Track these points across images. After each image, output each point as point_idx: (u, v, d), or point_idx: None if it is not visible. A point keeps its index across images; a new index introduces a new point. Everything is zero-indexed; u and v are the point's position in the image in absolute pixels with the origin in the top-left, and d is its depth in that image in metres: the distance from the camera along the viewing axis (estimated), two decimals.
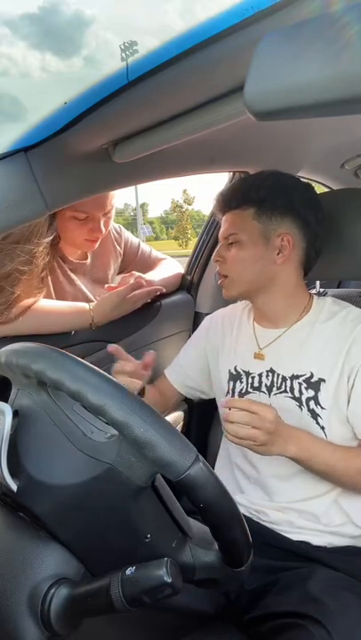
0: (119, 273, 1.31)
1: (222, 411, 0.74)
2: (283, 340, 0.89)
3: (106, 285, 1.16)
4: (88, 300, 1.11)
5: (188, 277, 1.37)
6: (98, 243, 1.09)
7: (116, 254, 1.26)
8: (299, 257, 0.88)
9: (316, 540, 0.83)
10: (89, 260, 1.18)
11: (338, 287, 1.75)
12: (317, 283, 1.11)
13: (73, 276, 1.13)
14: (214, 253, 0.92)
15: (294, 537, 0.84)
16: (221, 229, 0.92)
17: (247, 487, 0.91)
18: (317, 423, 0.82)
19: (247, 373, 0.92)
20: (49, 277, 1.05)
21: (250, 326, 0.95)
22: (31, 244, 0.89)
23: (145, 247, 1.35)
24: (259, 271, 0.87)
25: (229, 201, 0.90)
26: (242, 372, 0.92)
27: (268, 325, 0.92)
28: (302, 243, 0.87)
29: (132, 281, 1.13)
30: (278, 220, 0.85)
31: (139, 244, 1.32)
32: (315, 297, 0.91)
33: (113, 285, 1.15)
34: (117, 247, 1.26)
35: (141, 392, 0.93)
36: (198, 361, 1.04)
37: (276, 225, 0.85)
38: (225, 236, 0.90)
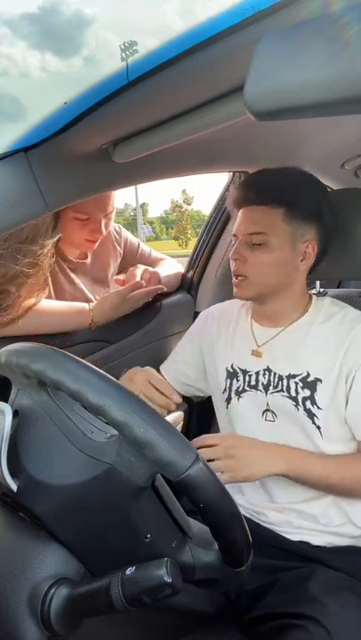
0: (119, 273, 1.31)
1: None
2: (280, 339, 0.88)
3: (114, 278, 1.16)
4: (87, 300, 1.11)
5: (188, 277, 1.37)
6: (97, 243, 1.10)
7: (116, 254, 1.26)
8: (313, 262, 0.87)
9: (316, 539, 0.83)
10: (89, 260, 1.18)
11: (338, 287, 1.75)
12: (317, 283, 1.10)
13: (72, 275, 1.13)
14: (233, 251, 0.86)
15: (294, 537, 0.84)
16: (242, 225, 0.85)
17: (247, 488, 0.91)
18: (313, 423, 0.82)
19: (244, 371, 0.91)
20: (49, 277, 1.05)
21: (247, 324, 0.95)
22: (36, 245, 0.89)
23: (145, 247, 1.35)
24: (281, 276, 0.84)
25: (256, 196, 0.82)
26: (238, 370, 0.92)
27: (266, 324, 0.91)
28: (319, 248, 0.86)
29: (138, 274, 1.12)
30: (307, 227, 0.83)
31: (138, 245, 1.33)
32: (314, 297, 0.91)
33: (121, 278, 1.15)
34: (117, 247, 1.26)
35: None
36: (194, 357, 1.02)
37: (304, 230, 0.83)
38: (248, 233, 0.83)
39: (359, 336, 0.81)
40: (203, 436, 0.76)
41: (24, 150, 0.65)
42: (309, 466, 0.78)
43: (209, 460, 0.73)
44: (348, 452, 0.83)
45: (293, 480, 0.79)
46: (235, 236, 0.87)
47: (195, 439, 0.75)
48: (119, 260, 1.28)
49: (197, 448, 0.71)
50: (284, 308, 0.89)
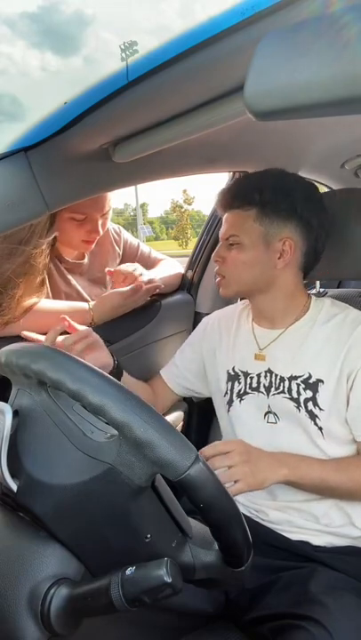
0: None
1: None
2: (281, 341, 0.88)
3: (106, 269, 1.16)
4: (83, 300, 1.11)
5: (188, 277, 1.37)
6: (94, 243, 1.09)
7: (115, 255, 1.26)
8: (299, 261, 0.87)
9: (316, 539, 0.83)
10: (86, 260, 1.17)
11: (338, 287, 1.75)
12: (317, 283, 1.11)
13: (69, 275, 1.13)
14: (214, 253, 0.91)
15: (294, 537, 0.84)
16: (222, 228, 0.90)
17: None
18: (315, 424, 0.82)
19: (245, 374, 0.91)
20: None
21: (249, 326, 0.95)
22: (30, 245, 0.89)
23: (144, 247, 1.35)
24: (258, 274, 0.86)
25: (231, 200, 0.88)
26: (240, 373, 0.92)
27: (266, 325, 0.92)
28: (303, 247, 0.86)
29: (130, 270, 1.12)
30: (280, 224, 0.84)
31: (138, 245, 1.33)
32: (313, 297, 0.91)
33: (110, 270, 1.14)
34: (116, 248, 1.26)
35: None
36: (194, 362, 1.03)
37: (277, 229, 0.84)
38: (225, 237, 0.88)
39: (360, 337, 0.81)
40: (213, 443, 0.75)
41: (24, 150, 0.65)
42: (308, 469, 0.78)
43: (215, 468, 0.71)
44: (350, 454, 0.83)
45: (294, 485, 0.79)
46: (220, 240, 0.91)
47: (205, 448, 0.73)
48: (118, 260, 1.28)
49: (209, 456, 0.71)
50: (278, 306, 0.89)
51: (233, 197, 0.87)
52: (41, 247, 0.92)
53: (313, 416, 0.82)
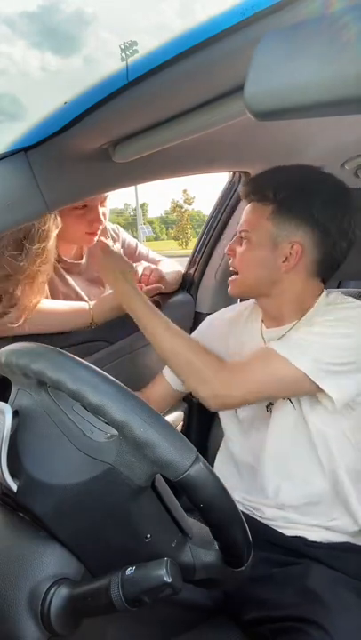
0: None
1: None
2: (285, 338, 0.88)
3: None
4: (81, 300, 1.11)
5: (189, 277, 1.37)
6: (98, 235, 1.08)
7: None
8: (307, 266, 0.83)
9: (313, 535, 0.83)
10: (84, 260, 1.17)
11: (338, 287, 1.75)
12: None
13: (67, 276, 1.12)
14: (228, 245, 0.89)
15: (289, 532, 0.84)
16: (240, 219, 0.88)
17: (245, 484, 0.91)
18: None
19: None
20: None
21: (258, 325, 0.94)
22: (44, 241, 0.88)
23: (142, 248, 1.35)
24: (262, 275, 0.84)
25: (251, 192, 0.84)
26: None
27: (273, 325, 0.91)
28: (317, 254, 0.82)
29: (140, 270, 1.12)
30: (293, 227, 0.80)
31: (136, 245, 1.33)
32: (324, 293, 0.88)
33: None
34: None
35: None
36: None
37: (288, 232, 0.80)
38: (239, 229, 0.86)
39: None
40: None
41: (24, 150, 0.65)
42: (142, 305, 0.88)
43: None
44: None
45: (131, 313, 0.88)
46: None
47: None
48: None
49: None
50: (282, 309, 0.87)
51: (253, 190, 0.84)
52: (50, 241, 0.91)
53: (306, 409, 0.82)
